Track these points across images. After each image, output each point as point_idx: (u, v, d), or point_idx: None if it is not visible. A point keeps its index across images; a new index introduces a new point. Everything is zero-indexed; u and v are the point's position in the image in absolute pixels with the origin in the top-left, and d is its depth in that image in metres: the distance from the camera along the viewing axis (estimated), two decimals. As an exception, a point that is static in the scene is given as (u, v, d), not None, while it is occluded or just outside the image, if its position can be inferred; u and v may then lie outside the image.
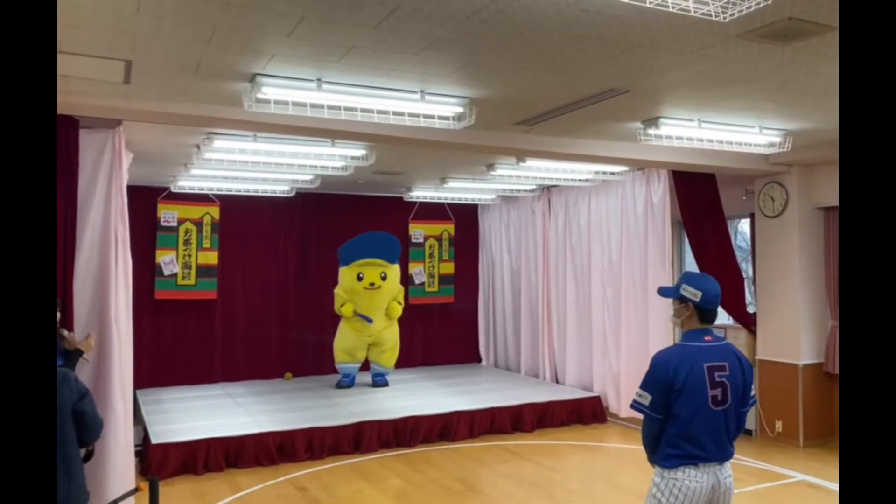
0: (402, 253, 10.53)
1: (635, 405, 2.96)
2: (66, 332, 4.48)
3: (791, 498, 5.57)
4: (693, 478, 2.85)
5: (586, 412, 8.16)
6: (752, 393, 3.06)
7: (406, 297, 10.50)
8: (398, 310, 9.19)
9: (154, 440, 6.22)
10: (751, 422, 7.42)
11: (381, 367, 9.11)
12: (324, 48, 3.67)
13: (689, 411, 2.85)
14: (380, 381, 9.05)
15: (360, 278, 8.84)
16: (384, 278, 8.96)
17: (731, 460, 2.97)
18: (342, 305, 8.93)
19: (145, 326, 8.54)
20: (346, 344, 8.98)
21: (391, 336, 9.18)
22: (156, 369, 8.89)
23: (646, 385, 2.93)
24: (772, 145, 5.85)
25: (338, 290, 9.03)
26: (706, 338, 2.95)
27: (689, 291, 2.98)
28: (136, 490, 4.26)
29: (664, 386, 2.87)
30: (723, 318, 7.93)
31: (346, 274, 8.94)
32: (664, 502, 2.87)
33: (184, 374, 9.11)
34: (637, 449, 7.00)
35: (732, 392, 2.91)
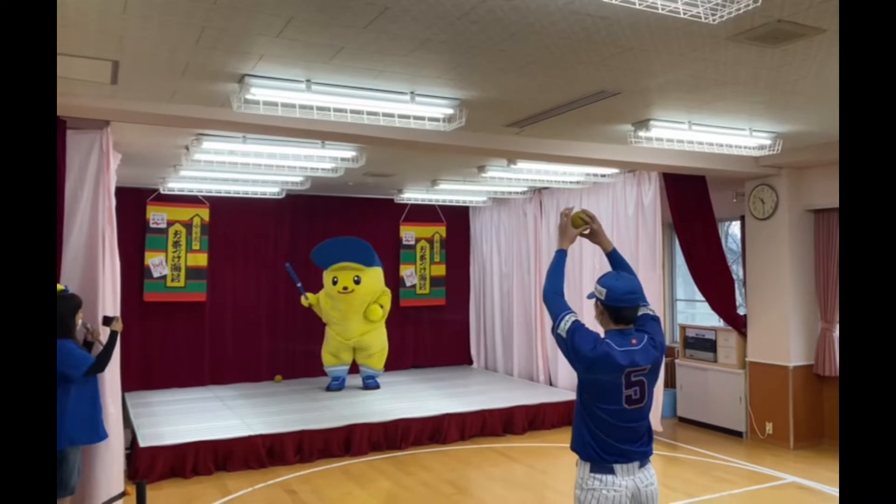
0: (394, 255, 10.56)
1: (556, 333, 2.81)
2: (88, 325, 4.66)
3: (781, 500, 5.58)
4: (611, 486, 2.75)
5: (577, 414, 8.13)
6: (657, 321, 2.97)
7: (397, 300, 10.50)
8: (378, 313, 9.02)
9: (142, 443, 6.17)
10: (741, 423, 7.44)
11: (371, 370, 9.07)
12: (313, 49, 3.65)
13: (605, 411, 2.75)
14: (371, 384, 9.01)
15: (334, 282, 8.80)
16: (357, 282, 8.81)
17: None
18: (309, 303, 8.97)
19: (134, 329, 8.48)
20: (329, 346, 8.98)
21: (376, 340, 9.07)
22: (144, 372, 8.83)
23: (577, 333, 2.76)
24: (762, 147, 5.87)
25: (321, 294, 9.04)
26: (633, 340, 2.78)
27: (597, 290, 2.87)
28: (124, 494, 4.25)
29: (579, 352, 2.73)
30: (714, 319, 7.95)
31: (324, 278, 8.94)
32: None
33: (173, 376, 9.04)
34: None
35: (648, 388, 2.81)
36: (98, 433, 4.51)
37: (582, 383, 2.81)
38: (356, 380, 9.18)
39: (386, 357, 9.24)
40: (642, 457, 2.81)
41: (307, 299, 8.95)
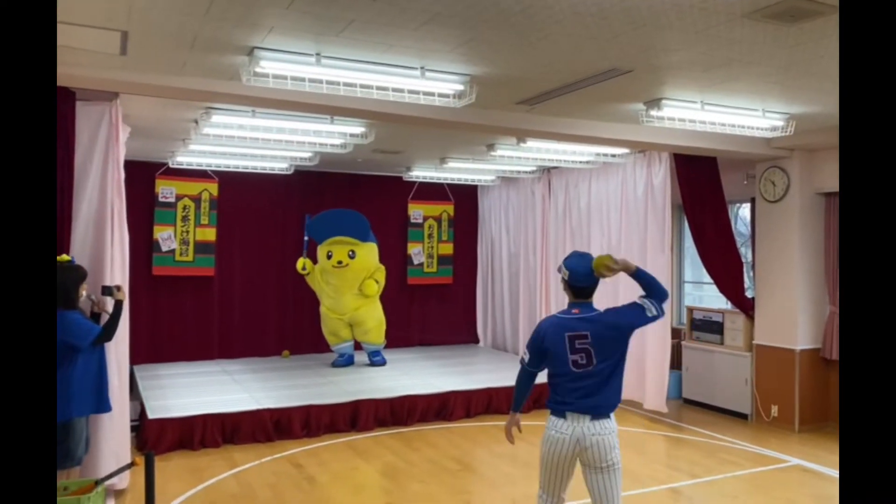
0: (401, 233, 10.56)
1: (521, 361, 3.55)
2: (93, 296, 4.69)
3: (785, 482, 5.59)
4: (558, 428, 3.34)
5: (582, 394, 8.16)
6: (650, 312, 3.39)
7: (404, 278, 10.52)
8: (373, 287, 8.98)
9: (150, 415, 6.23)
10: (746, 406, 7.44)
11: (372, 345, 9.05)
12: (323, 21, 3.61)
13: (555, 371, 3.39)
14: (377, 361, 9.03)
15: (329, 256, 8.78)
16: (352, 256, 8.78)
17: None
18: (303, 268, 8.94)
19: (143, 302, 8.52)
20: (326, 325, 8.99)
21: (371, 315, 9.02)
22: (153, 345, 8.90)
23: (527, 345, 3.52)
24: (774, 129, 5.81)
25: (316, 267, 9.03)
26: (574, 311, 3.41)
27: (562, 270, 3.46)
28: (132, 465, 4.28)
29: (536, 347, 3.44)
30: (721, 302, 7.93)
31: (319, 252, 8.93)
32: (543, 447, 3.40)
33: (181, 350, 9.11)
34: (631, 431, 7.02)
35: (598, 354, 3.31)
36: (104, 404, 4.53)
37: (543, 355, 3.46)
38: (364, 356, 9.22)
39: (384, 330, 9.21)
40: (593, 411, 3.31)
41: (304, 267, 8.88)
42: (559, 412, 3.35)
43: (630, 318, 3.39)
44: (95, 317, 4.69)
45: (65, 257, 4.46)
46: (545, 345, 3.40)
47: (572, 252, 3.56)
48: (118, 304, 4.57)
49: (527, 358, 3.49)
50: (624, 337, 3.38)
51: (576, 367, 3.32)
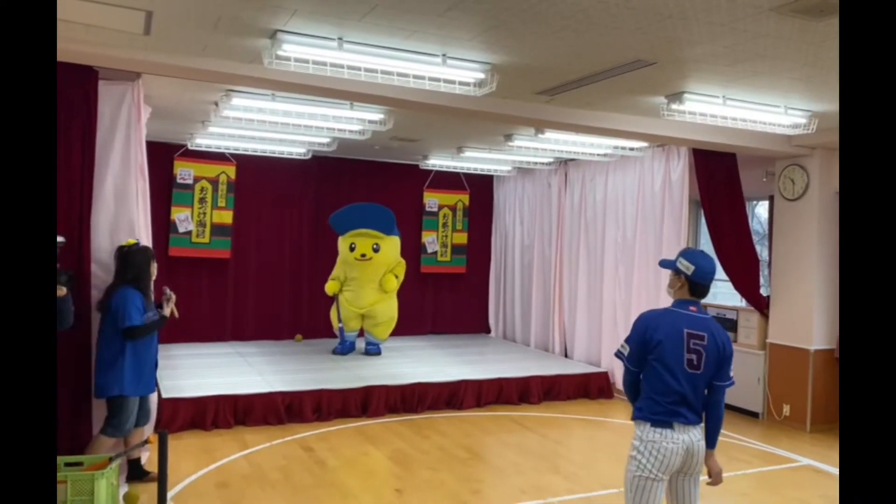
0: (416, 222, 10.56)
1: (618, 354, 3.30)
2: (168, 290, 5.03)
3: (795, 482, 5.57)
4: (669, 438, 3.07)
5: (593, 387, 8.17)
6: (731, 374, 3.24)
7: (418, 266, 10.52)
8: (393, 283, 8.90)
9: (164, 395, 6.28)
10: (758, 404, 7.41)
11: (374, 339, 8.96)
12: (346, 5, 3.61)
13: (667, 368, 3.09)
14: (372, 350, 8.91)
15: (352, 248, 8.69)
16: (376, 250, 8.69)
17: (702, 427, 3.20)
18: (332, 281, 8.92)
19: (158, 282, 8.54)
20: (339, 314, 8.94)
21: (386, 310, 8.91)
22: (167, 325, 8.88)
23: (628, 338, 3.24)
24: (796, 126, 5.75)
25: (337, 262, 8.96)
26: (691, 308, 3.20)
27: (683, 264, 3.21)
28: (146, 442, 4.34)
29: (642, 340, 3.15)
30: (735, 300, 7.89)
31: (341, 243, 8.85)
32: (642, 461, 3.09)
33: (195, 331, 9.16)
34: (642, 426, 7.01)
35: (706, 362, 3.11)
36: (150, 385, 4.81)
37: (648, 351, 3.15)
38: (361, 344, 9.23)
39: (393, 328, 9.07)
40: (696, 421, 3.13)
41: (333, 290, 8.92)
42: (666, 423, 3.07)
43: (727, 359, 3.19)
44: (159, 305, 4.94)
45: (131, 241, 4.72)
46: (657, 335, 3.10)
47: (686, 249, 3.38)
48: (163, 319, 4.82)
49: (626, 353, 3.22)
50: (723, 366, 3.18)
51: (689, 366, 3.08)
